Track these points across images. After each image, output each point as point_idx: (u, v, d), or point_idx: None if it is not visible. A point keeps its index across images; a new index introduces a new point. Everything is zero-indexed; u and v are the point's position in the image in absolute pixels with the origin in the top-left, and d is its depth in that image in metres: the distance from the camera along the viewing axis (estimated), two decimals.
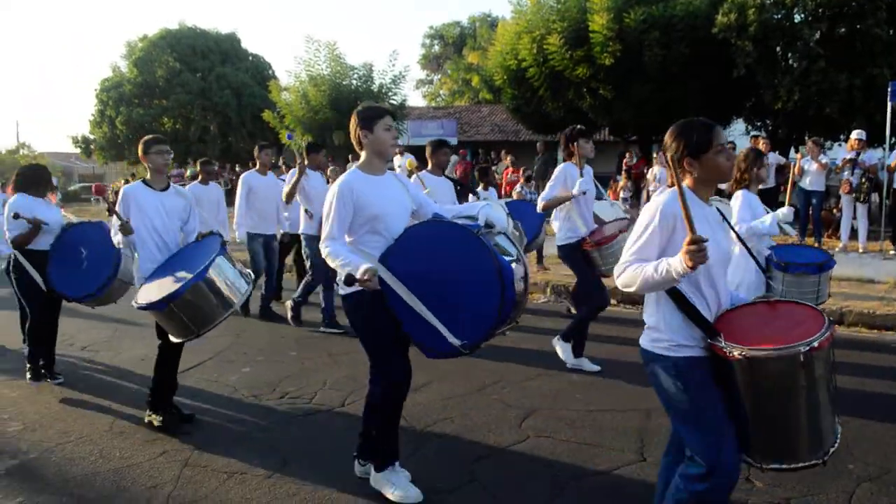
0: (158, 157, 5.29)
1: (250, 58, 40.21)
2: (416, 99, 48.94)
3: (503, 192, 16.31)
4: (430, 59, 50.61)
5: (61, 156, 57.09)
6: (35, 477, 4.56)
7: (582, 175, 6.21)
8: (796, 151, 15.32)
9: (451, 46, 48.30)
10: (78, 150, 41.55)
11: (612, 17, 17.14)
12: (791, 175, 10.98)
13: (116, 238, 5.29)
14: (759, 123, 20.36)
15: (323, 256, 3.84)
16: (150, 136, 5.44)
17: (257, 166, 9.18)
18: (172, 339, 4.90)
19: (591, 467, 4.38)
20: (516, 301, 3.63)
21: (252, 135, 35.45)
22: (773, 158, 13.40)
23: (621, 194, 16.16)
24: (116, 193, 20.53)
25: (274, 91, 26.07)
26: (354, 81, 24.59)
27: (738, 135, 20.58)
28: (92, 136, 39.04)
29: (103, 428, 5.35)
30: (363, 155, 3.99)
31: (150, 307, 4.72)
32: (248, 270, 5.25)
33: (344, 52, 24.72)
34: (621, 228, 6.32)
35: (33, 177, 6.57)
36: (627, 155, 18.54)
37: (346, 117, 17.94)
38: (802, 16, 15.90)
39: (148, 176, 5.34)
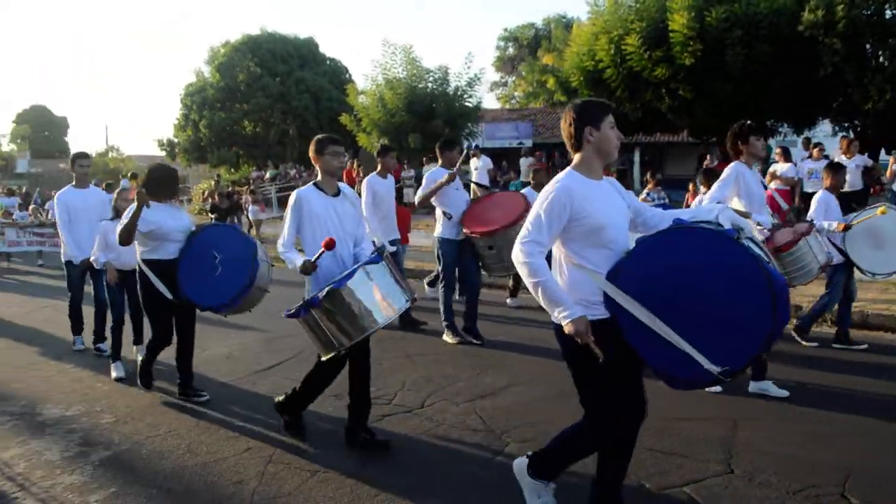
0: (333, 158, 4.89)
1: (328, 62, 40.89)
2: (490, 101, 48.96)
3: None
4: (504, 62, 50.52)
5: (147, 158, 58.93)
6: (127, 468, 4.74)
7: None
8: (888, 154, 14.73)
9: (525, 48, 48.09)
10: (163, 153, 42.96)
11: (692, 16, 16.80)
12: (883, 177, 10.53)
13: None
14: (846, 124, 19.63)
15: (520, 271, 3.34)
16: (325, 135, 5.04)
17: (378, 169, 8.71)
18: (322, 356, 4.61)
19: (677, 478, 4.29)
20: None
21: None
22: (861, 160, 12.91)
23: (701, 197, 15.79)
24: (211, 195, 20.56)
25: (351, 94, 26.42)
26: (430, 84, 24.71)
27: (825, 136, 19.90)
28: (176, 140, 40.31)
29: (190, 423, 5.52)
30: (580, 155, 3.48)
31: (292, 315, 4.51)
32: (407, 287, 4.71)
33: (420, 56, 24.90)
34: (801, 232, 5.98)
35: (159, 179, 6.04)
36: (708, 157, 18.15)
37: (422, 120, 18.12)
38: (894, 11, 15.28)
39: (319, 178, 4.95)
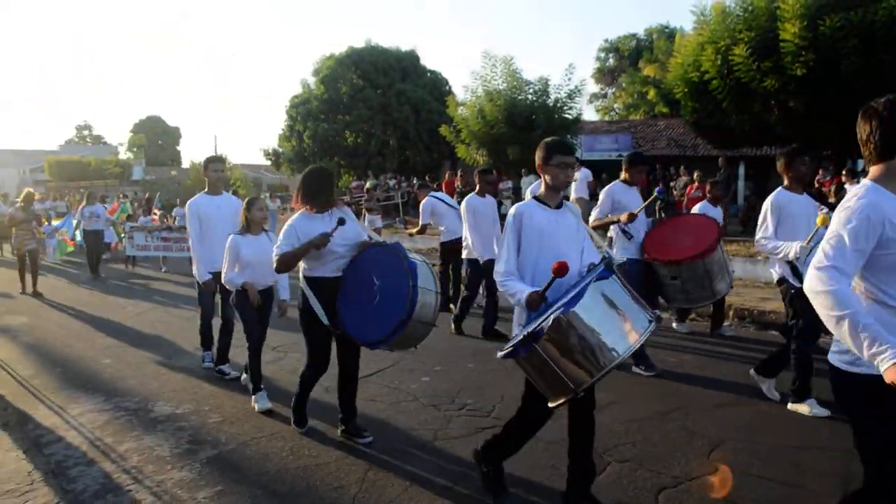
0: (560, 171, 4.09)
1: (428, 74, 41.35)
2: (589, 113, 48.44)
3: (687, 208, 15.77)
4: (604, 73, 49.94)
5: (252, 167, 61.10)
6: (233, 467, 4.89)
7: None
8: None
9: (626, 59, 47.44)
10: (268, 163, 44.32)
11: (805, 25, 16.13)
12: None
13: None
14: None
15: (816, 302, 2.77)
16: (553, 139, 4.26)
17: (477, 189, 8.79)
18: (550, 402, 3.65)
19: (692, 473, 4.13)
20: None
21: (428, 149, 36.47)
22: None
23: None
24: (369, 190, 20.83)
25: (451, 106, 26.62)
26: (530, 96, 24.64)
27: None
28: (281, 149, 41.54)
29: (293, 427, 5.65)
30: (887, 166, 2.86)
31: (509, 355, 3.70)
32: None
33: (520, 67, 24.85)
34: None
35: (315, 184, 5.26)
36: (820, 171, 17.40)
37: (521, 132, 18.09)
38: None
39: (542, 191, 4.21)
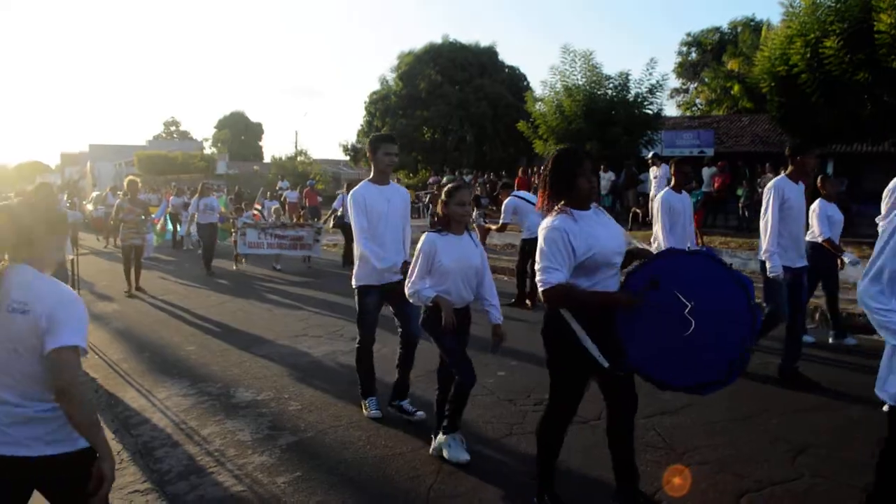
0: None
1: (506, 70, 41.25)
2: (670, 108, 47.40)
3: None
4: (685, 67, 48.82)
5: (331, 162, 62.07)
6: (311, 454, 4.99)
7: None
8: None
9: (709, 53, 46.24)
10: (347, 158, 44.94)
11: None
12: None
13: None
14: None
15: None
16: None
17: (672, 183, 7.59)
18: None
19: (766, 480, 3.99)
20: None
21: (505, 144, 36.34)
22: None
23: None
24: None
25: (529, 101, 26.47)
26: (609, 91, 24.28)
27: None
28: (359, 145, 42.07)
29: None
30: None
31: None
32: None
33: (600, 62, 24.46)
34: None
35: (567, 170, 3.71)
36: None
37: (601, 127, 17.80)
38: None
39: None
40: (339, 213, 15.90)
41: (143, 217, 12.69)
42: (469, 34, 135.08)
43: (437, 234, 4.71)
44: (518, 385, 6.48)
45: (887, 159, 20.60)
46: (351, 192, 5.70)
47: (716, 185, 19.82)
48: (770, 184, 6.38)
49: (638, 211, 20.33)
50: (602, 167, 23.12)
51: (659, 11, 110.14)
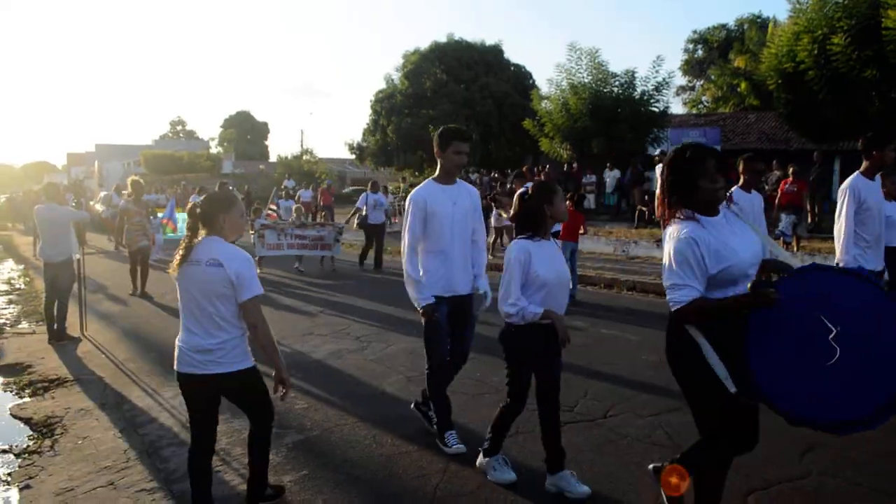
0: None
1: (512, 68, 41.12)
2: (676, 106, 47.29)
3: (780, 203, 15.20)
4: (692, 65, 48.70)
5: (336, 161, 62.17)
6: (317, 453, 5.00)
7: None
8: None
9: (715, 51, 46.11)
10: (352, 157, 44.94)
11: None
12: None
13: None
14: None
15: None
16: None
17: (741, 181, 6.86)
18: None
19: (771, 479, 3.97)
20: None
21: (511, 143, 36.27)
22: None
23: None
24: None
25: (535, 100, 26.45)
26: (615, 89, 24.25)
27: None
28: (365, 144, 42.06)
29: (376, 416, 5.70)
30: None
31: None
32: None
33: (606, 60, 24.46)
34: None
35: (692, 161, 3.30)
36: None
37: (606, 125, 17.75)
38: None
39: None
40: (363, 213, 15.65)
41: (149, 218, 12.51)
42: (475, 32, 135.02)
43: (530, 241, 4.13)
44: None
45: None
46: (411, 192, 5.04)
47: None
48: (845, 184, 5.76)
49: (644, 209, 20.27)
50: (608, 165, 23.10)
51: (665, 9, 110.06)
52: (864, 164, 5.79)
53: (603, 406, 5.79)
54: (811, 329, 2.99)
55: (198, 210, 3.86)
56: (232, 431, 5.41)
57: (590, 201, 23.51)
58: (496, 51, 40.96)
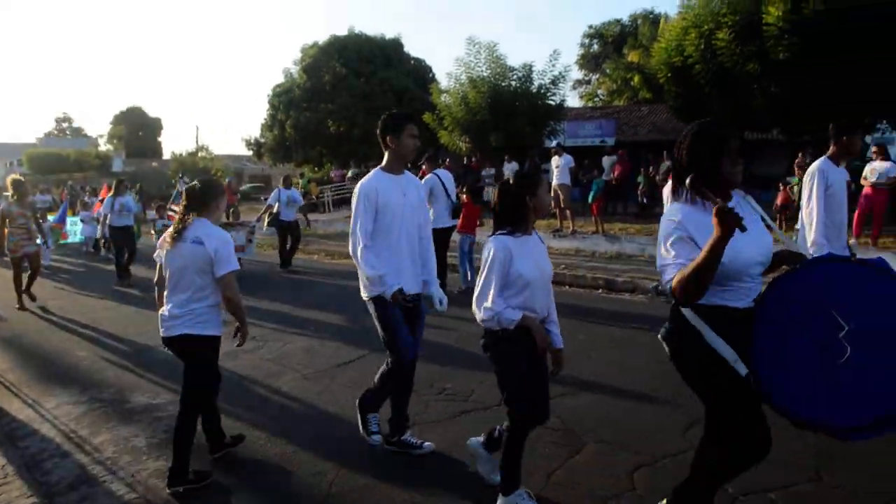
0: None
1: (412, 62, 41.17)
2: (573, 99, 48.37)
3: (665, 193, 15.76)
4: (588, 59, 49.86)
5: (234, 158, 60.85)
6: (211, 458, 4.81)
7: None
8: None
9: (610, 45, 47.35)
10: (250, 153, 44.03)
11: (788, 9, 16.11)
12: None
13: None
14: None
15: None
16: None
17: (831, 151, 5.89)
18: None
19: (761, 484, 4.04)
20: None
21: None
22: None
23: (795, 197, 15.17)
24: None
25: (434, 93, 26.51)
26: (513, 83, 24.55)
27: None
28: (263, 139, 41.26)
29: (270, 414, 5.57)
30: None
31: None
32: None
33: (504, 54, 24.71)
34: None
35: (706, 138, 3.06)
36: (800, 155, 17.38)
37: (505, 118, 17.91)
38: None
39: None
40: (274, 210, 14.51)
41: (38, 221, 11.11)
42: (375, 26, 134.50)
43: (510, 237, 3.73)
44: (420, 375, 6.34)
45: (775, 147, 21.53)
46: (359, 183, 4.64)
47: (616, 173, 20.28)
48: (813, 168, 5.71)
49: None
50: (506, 158, 23.38)
51: (563, 4, 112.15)
52: (832, 149, 5.79)
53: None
54: (821, 326, 2.79)
55: (192, 195, 4.48)
56: (119, 440, 5.19)
57: (488, 194, 23.77)
58: (396, 44, 40.91)
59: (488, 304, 3.66)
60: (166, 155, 66.42)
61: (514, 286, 3.67)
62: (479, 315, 3.74)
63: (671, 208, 3.04)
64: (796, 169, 15.98)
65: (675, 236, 2.91)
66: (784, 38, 16.21)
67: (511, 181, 3.80)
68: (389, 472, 4.46)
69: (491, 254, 3.67)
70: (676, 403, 5.44)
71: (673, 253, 2.90)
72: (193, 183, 4.68)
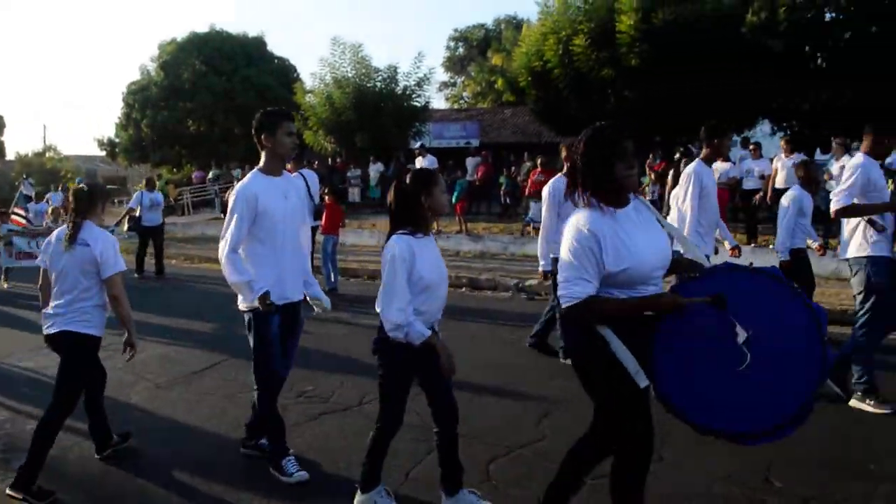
0: None
1: (276, 61, 40.34)
2: (438, 101, 48.89)
3: (529, 192, 16.21)
4: (453, 62, 50.55)
5: (85, 158, 57.59)
6: (59, 474, 4.51)
7: None
8: (823, 153, 15.11)
9: (475, 49, 48.19)
10: (103, 153, 41.84)
11: (639, 18, 16.94)
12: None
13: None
14: (784, 124, 20.07)
15: None
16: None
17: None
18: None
19: (607, 466, 4.18)
20: None
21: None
22: (798, 159, 13.20)
23: (648, 196, 15.92)
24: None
25: (298, 93, 26.14)
26: (378, 83, 24.57)
27: (763, 136, 20.27)
28: (117, 139, 39.33)
29: (122, 428, 5.30)
30: None
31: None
32: None
33: (369, 55, 24.71)
34: None
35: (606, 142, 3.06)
36: (650, 156, 18.24)
37: (370, 119, 17.86)
38: (833, 14, 15.66)
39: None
40: (136, 214, 13.61)
41: None
42: (237, 24, 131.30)
43: (411, 237, 3.57)
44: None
45: None
46: (238, 186, 4.39)
47: (479, 174, 20.62)
48: (689, 169, 5.99)
49: None
50: (372, 158, 23.36)
51: (429, 6, 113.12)
52: (705, 151, 6.03)
53: (358, 394, 5.83)
54: (721, 333, 2.82)
55: (81, 197, 4.54)
56: None
57: (354, 195, 23.65)
58: (259, 43, 39.97)
59: (401, 304, 3.49)
60: (10, 156, 62.06)
61: (414, 288, 3.53)
62: (386, 323, 3.56)
63: (578, 216, 2.96)
64: (647, 169, 16.76)
65: (585, 247, 2.86)
66: (636, 46, 17.01)
67: (407, 179, 3.65)
68: (253, 473, 4.42)
69: (396, 253, 3.51)
70: (531, 396, 5.67)
71: (578, 265, 2.86)
72: (81, 186, 4.78)
